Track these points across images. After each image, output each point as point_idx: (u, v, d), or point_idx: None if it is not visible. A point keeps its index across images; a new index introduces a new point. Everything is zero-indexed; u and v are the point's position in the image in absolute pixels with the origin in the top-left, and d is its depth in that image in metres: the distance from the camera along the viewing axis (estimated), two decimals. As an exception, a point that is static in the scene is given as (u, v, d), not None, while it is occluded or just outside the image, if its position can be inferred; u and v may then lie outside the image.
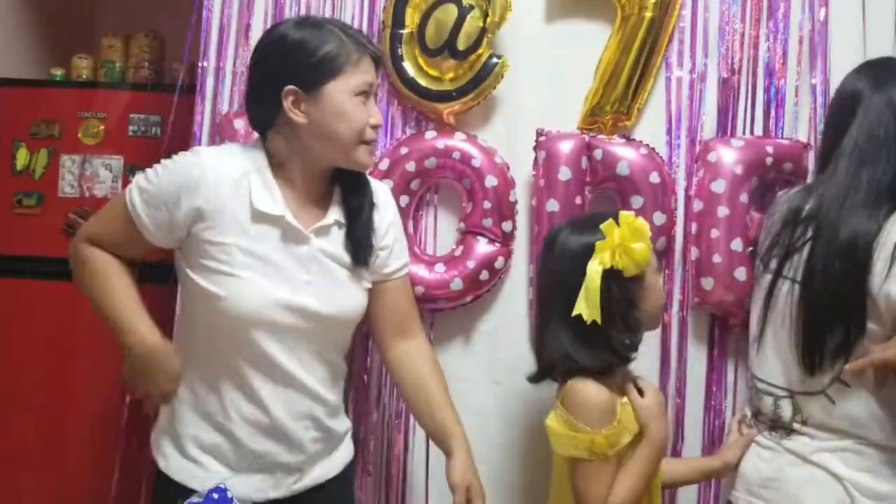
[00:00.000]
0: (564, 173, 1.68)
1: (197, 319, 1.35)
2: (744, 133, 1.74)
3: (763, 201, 1.70)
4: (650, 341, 1.62)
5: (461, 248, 1.73)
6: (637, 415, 1.38)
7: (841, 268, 1.33)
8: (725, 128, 1.75)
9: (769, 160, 1.67)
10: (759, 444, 1.46)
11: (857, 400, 1.35)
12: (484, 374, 1.75)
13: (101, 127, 2.35)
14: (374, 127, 1.37)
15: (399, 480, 1.78)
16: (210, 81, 1.85)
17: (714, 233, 1.66)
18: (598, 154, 1.70)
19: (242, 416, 1.34)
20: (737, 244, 1.65)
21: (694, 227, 1.70)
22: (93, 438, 2.29)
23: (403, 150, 1.73)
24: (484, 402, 1.72)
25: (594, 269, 1.34)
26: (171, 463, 1.36)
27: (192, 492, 1.32)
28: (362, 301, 1.43)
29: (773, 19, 1.74)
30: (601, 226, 1.35)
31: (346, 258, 1.40)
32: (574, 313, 1.33)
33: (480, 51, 1.71)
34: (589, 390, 1.35)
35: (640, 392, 1.41)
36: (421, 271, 1.68)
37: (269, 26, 1.81)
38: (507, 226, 1.72)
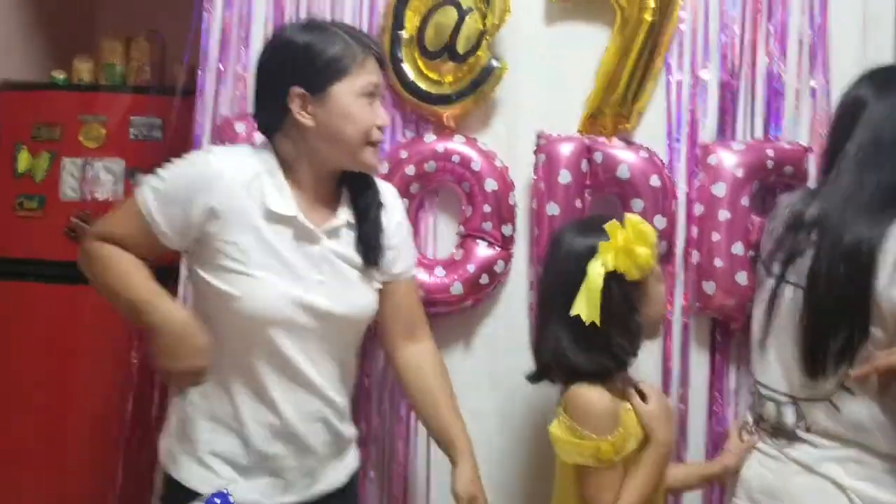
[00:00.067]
0: (564, 176, 1.68)
1: (209, 320, 1.34)
2: (744, 136, 1.74)
3: (764, 205, 1.70)
4: (651, 346, 1.61)
5: (461, 251, 1.73)
6: (641, 421, 1.37)
7: (845, 272, 1.33)
8: (725, 131, 1.74)
9: (770, 163, 1.67)
10: (761, 452, 1.45)
11: (861, 406, 1.34)
12: (484, 377, 1.75)
13: (103, 130, 2.35)
14: (381, 128, 1.38)
15: (400, 485, 1.78)
16: (211, 84, 1.85)
17: (715, 236, 1.65)
18: (598, 157, 1.69)
19: (254, 418, 1.34)
20: (738, 248, 1.64)
21: (695, 230, 1.69)
22: (93, 440, 2.29)
23: (403, 154, 1.73)
24: (484, 406, 1.72)
25: (596, 269, 1.33)
26: (182, 468, 1.37)
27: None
28: (373, 301, 1.44)
29: (772, 22, 1.74)
30: (605, 226, 1.34)
31: (357, 259, 1.41)
32: (573, 313, 1.33)
33: (480, 53, 1.71)
34: (592, 397, 1.34)
35: (643, 397, 1.40)
36: (421, 275, 1.68)
37: (269, 29, 1.82)
38: (506, 229, 1.72)
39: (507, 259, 1.73)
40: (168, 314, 1.31)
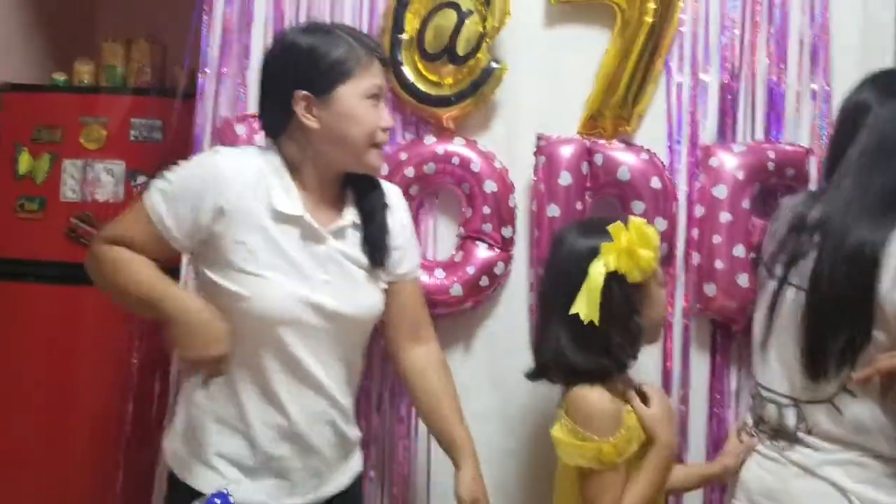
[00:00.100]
0: (565, 178, 1.68)
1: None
2: (744, 138, 1.74)
3: (764, 207, 1.70)
4: (652, 348, 1.60)
5: (461, 253, 1.73)
6: (643, 424, 1.36)
7: (848, 274, 1.33)
8: (726, 133, 1.74)
9: (771, 165, 1.66)
10: (761, 454, 1.45)
11: (863, 408, 1.34)
12: (484, 378, 1.75)
13: (103, 132, 2.36)
14: (385, 129, 1.38)
15: (400, 485, 1.78)
16: (211, 86, 1.85)
17: (716, 238, 1.65)
18: (598, 159, 1.69)
19: (261, 419, 1.34)
20: (739, 250, 1.64)
21: (695, 232, 1.69)
22: (94, 442, 2.29)
23: (402, 156, 1.73)
24: (484, 407, 1.72)
25: (597, 269, 1.33)
26: (189, 470, 1.37)
27: None
28: (379, 302, 1.44)
29: (773, 24, 1.74)
30: (609, 227, 1.34)
31: (363, 259, 1.41)
32: (572, 311, 1.33)
33: (479, 55, 1.71)
34: (594, 398, 1.34)
35: (644, 399, 1.40)
36: (421, 276, 1.68)
37: (269, 31, 1.83)
38: (506, 231, 1.71)
39: (507, 261, 1.73)
40: (183, 303, 1.30)
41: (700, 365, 1.73)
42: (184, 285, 1.72)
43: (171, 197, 1.33)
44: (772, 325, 1.45)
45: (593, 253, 1.35)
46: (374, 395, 1.78)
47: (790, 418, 1.41)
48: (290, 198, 1.35)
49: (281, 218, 1.34)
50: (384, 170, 1.71)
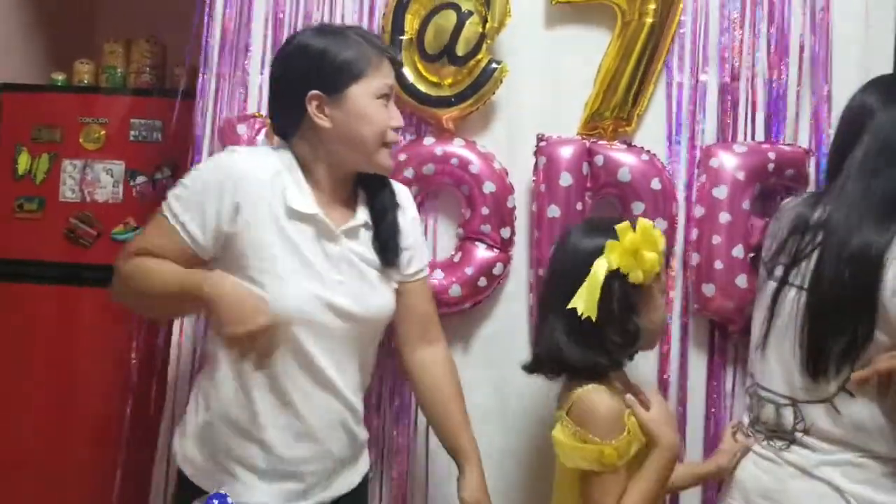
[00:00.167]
0: (565, 179, 1.68)
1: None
2: (744, 139, 1.74)
3: (763, 208, 1.70)
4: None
5: (460, 254, 1.73)
6: (644, 428, 1.35)
7: (850, 275, 1.33)
8: (726, 134, 1.74)
9: (771, 166, 1.66)
10: (757, 454, 1.45)
11: (862, 408, 1.34)
12: (483, 379, 1.75)
13: (103, 132, 2.36)
14: (396, 129, 1.39)
15: (400, 486, 1.77)
16: (211, 86, 1.85)
17: (715, 239, 1.65)
18: (598, 160, 1.69)
19: (274, 422, 1.34)
20: (738, 251, 1.64)
21: (695, 232, 1.69)
22: (94, 442, 2.29)
23: (402, 157, 1.72)
24: (483, 407, 1.71)
25: (600, 266, 1.33)
26: (199, 471, 1.37)
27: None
28: (392, 302, 1.45)
29: (773, 25, 1.74)
30: (616, 226, 1.34)
31: (375, 259, 1.42)
32: (570, 305, 1.33)
33: (479, 56, 1.71)
34: (597, 400, 1.33)
35: (643, 402, 1.39)
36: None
37: (269, 31, 1.83)
38: (505, 232, 1.72)
39: (506, 261, 1.73)
40: (218, 280, 1.29)
41: (698, 365, 1.73)
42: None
43: (188, 201, 1.33)
44: (771, 326, 1.46)
45: (598, 251, 1.34)
46: (374, 395, 1.78)
47: (787, 418, 1.41)
48: (304, 196, 1.36)
49: (295, 216, 1.34)
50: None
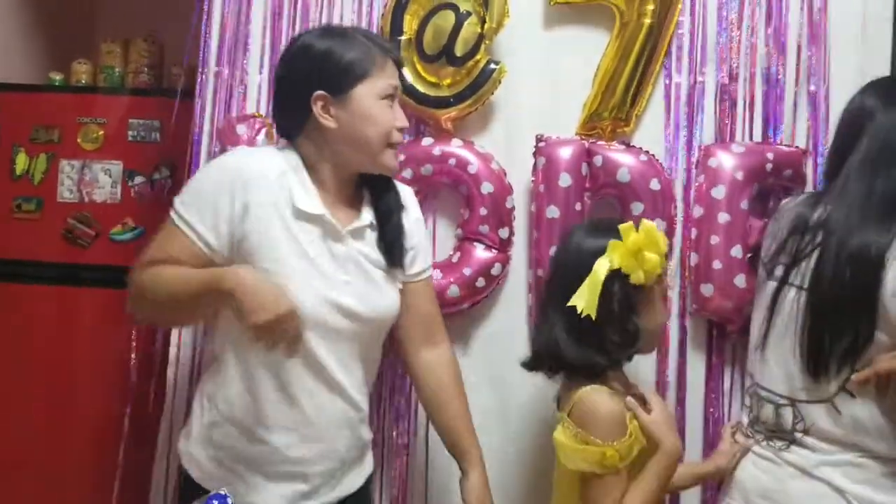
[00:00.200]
0: (564, 179, 1.68)
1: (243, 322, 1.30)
2: (742, 140, 1.74)
3: (762, 208, 1.70)
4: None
5: (458, 254, 1.73)
6: (646, 431, 1.35)
7: (851, 275, 1.33)
8: (724, 134, 1.74)
9: (769, 166, 1.67)
10: (756, 454, 1.46)
11: (862, 408, 1.34)
12: (483, 379, 1.75)
13: (101, 132, 2.35)
14: (400, 129, 1.40)
15: (400, 486, 1.78)
16: (210, 86, 1.85)
17: (714, 239, 1.65)
18: (598, 160, 1.69)
19: (280, 422, 1.35)
20: (736, 251, 1.64)
21: (693, 232, 1.70)
22: (92, 444, 2.29)
23: (400, 157, 1.72)
24: (482, 407, 1.71)
25: (601, 265, 1.33)
26: (207, 473, 1.37)
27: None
28: (397, 302, 1.45)
29: (771, 25, 1.74)
30: (619, 226, 1.35)
31: (381, 260, 1.42)
32: (570, 303, 1.33)
33: (478, 57, 1.71)
34: (597, 401, 1.33)
35: (644, 404, 1.38)
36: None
37: (268, 32, 1.84)
38: (503, 232, 1.72)
39: (505, 262, 1.73)
40: (238, 272, 1.27)
41: (696, 365, 1.73)
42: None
43: (201, 208, 1.32)
44: (771, 326, 1.46)
45: (601, 250, 1.35)
46: (375, 394, 1.78)
47: (787, 418, 1.41)
48: (310, 196, 1.36)
49: (302, 216, 1.34)
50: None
